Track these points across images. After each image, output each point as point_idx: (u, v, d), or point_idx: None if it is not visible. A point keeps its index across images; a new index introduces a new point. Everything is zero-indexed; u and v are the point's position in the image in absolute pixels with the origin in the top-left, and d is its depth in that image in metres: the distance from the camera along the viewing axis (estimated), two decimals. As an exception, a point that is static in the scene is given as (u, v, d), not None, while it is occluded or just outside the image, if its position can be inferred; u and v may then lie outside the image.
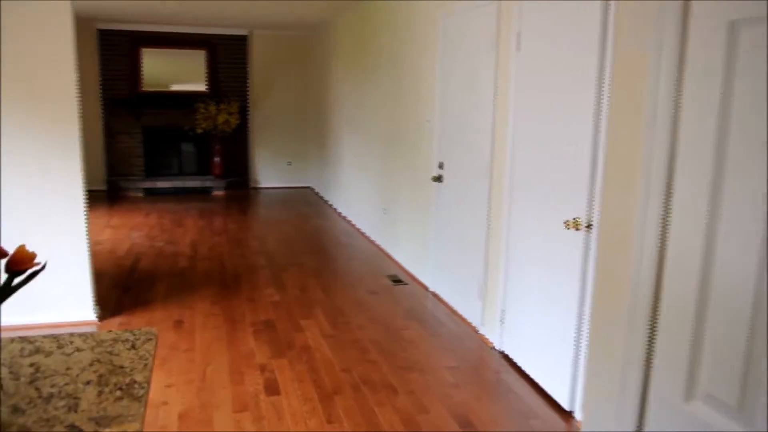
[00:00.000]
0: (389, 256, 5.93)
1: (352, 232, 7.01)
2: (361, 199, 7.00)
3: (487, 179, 3.88)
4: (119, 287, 4.91)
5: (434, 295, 4.84)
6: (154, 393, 3.16)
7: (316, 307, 4.52)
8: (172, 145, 9.64)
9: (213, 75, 9.45)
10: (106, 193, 9.31)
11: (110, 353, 1.46)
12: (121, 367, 1.39)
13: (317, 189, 9.66)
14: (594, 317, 2.74)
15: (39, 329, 3.98)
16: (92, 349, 1.48)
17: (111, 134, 9.31)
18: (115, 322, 4.15)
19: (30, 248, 3.80)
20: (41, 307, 4.04)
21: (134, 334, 1.57)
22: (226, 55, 9.50)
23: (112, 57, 9.12)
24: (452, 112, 4.43)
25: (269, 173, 10.09)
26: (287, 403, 3.09)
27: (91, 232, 6.78)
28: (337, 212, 8.11)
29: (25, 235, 3.96)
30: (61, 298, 4.08)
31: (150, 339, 1.55)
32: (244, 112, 9.65)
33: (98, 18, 8.61)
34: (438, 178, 4.64)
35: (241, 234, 6.83)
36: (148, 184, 9.15)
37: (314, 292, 4.89)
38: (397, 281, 5.21)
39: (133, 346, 1.50)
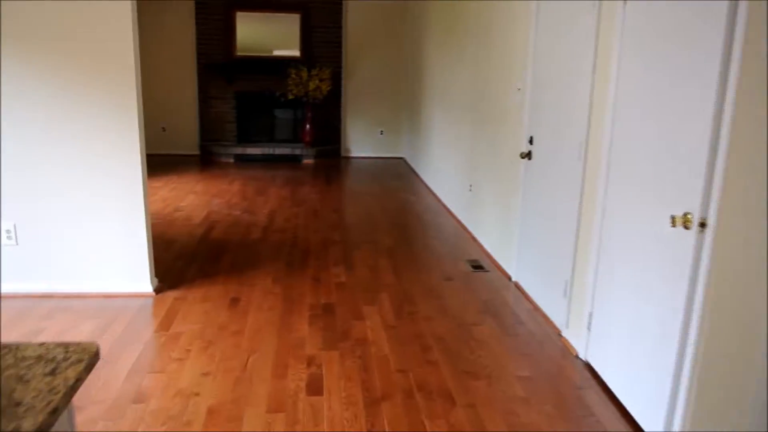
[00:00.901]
0: (473, 238, 5.43)
1: (438, 209, 6.54)
2: (448, 174, 6.51)
3: (581, 158, 3.29)
4: (185, 257, 4.76)
5: (517, 286, 4.31)
6: (189, 381, 2.91)
7: (382, 292, 4.13)
8: (264, 111, 9.54)
9: (306, 40, 9.18)
10: (199, 157, 9.37)
11: (20, 379, 1.13)
12: (18, 404, 1.05)
13: (409, 160, 9.23)
14: (702, 338, 2.15)
15: (92, 299, 3.86)
16: (4, 370, 1.15)
17: (205, 99, 9.32)
18: (170, 296, 3.96)
19: (87, 218, 3.61)
20: (97, 276, 3.92)
21: (67, 351, 1.23)
22: (321, 20, 9.19)
23: (207, 21, 9.06)
24: (546, 79, 3.83)
25: (361, 142, 9.78)
26: (328, 406, 2.74)
27: (173, 198, 6.78)
28: (426, 186, 7.66)
29: (81, 203, 3.83)
30: (119, 268, 3.94)
31: (81, 361, 1.20)
32: (337, 79, 9.34)
33: (195, -19, 8.55)
34: (527, 155, 4.08)
35: (322, 205, 6.56)
36: (239, 151, 9.10)
37: (385, 274, 4.50)
38: (477, 267, 4.71)
39: (53, 371, 1.16)
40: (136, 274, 3.97)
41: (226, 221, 5.82)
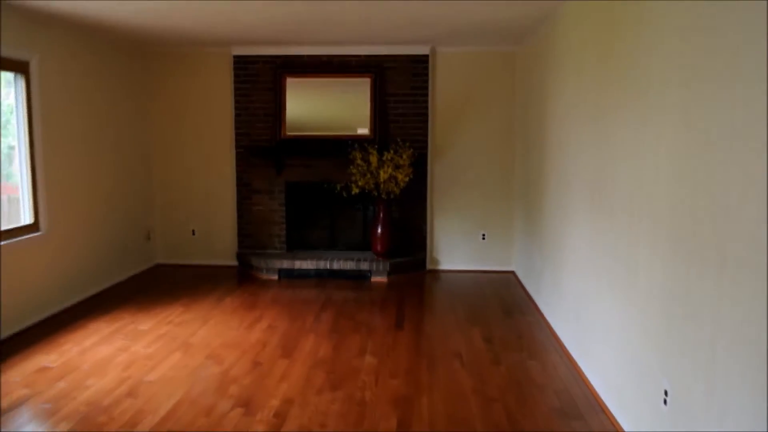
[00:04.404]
0: None
1: (585, 403, 3.60)
2: (608, 338, 3.59)
3: None
4: None
5: None
6: None
7: None
8: (323, 208, 7.06)
9: (380, 112, 6.72)
10: (236, 270, 6.98)
11: None
12: None
13: (522, 277, 6.35)
14: None
15: None
16: None
17: (246, 193, 7.00)
18: None
19: None
20: None
21: None
22: (399, 84, 6.73)
23: (249, 90, 6.85)
24: None
25: (454, 250, 7.03)
26: None
27: (144, 361, 4.15)
28: (553, 334, 4.74)
29: None
30: None
31: None
32: (421, 164, 6.75)
33: (234, 41, 6.40)
34: None
35: (377, 388, 3.80)
36: (286, 264, 6.60)
37: None
38: None
39: None
40: None
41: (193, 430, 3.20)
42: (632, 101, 3.15)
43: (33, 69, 4.97)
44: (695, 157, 2.43)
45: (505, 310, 5.46)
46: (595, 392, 3.67)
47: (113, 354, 4.35)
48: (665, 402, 2.68)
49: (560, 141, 4.74)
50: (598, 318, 3.70)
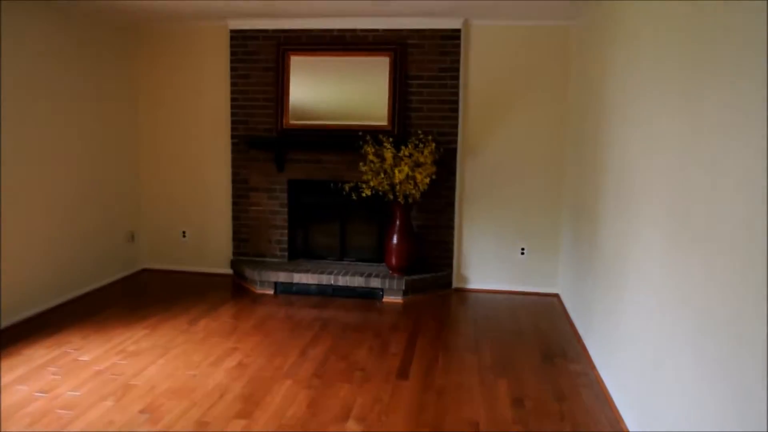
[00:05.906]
0: None
1: None
2: (689, 426, 2.42)
3: None
4: None
5: None
6: None
7: None
8: (330, 212, 5.99)
9: (400, 98, 5.58)
10: (231, 280, 6.00)
11: None
12: None
13: (568, 305, 5.15)
14: None
15: None
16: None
17: (243, 191, 5.99)
18: None
19: None
20: None
21: None
22: (424, 65, 5.58)
23: (248, 71, 5.83)
24: None
25: (487, 266, 5.85)
26: None
27: (71, 407, 3.13)
28: (606, 396, 3.56)
29: None
30: None
31: None
32: (449, 163, 5.61)
33: (232, 12, 5.38)
34: None
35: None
36: (283, 276, 5.56)
37: None
38: None
39: None
40: None
41: None
42: (745, 88, 1.96)
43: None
44: None
45: (545, 353, 4.29)
46: None
47: (29, 398, 3.39)
48: None
49: (626, 143, 3.53)
50: (675, 392, 2.51)
